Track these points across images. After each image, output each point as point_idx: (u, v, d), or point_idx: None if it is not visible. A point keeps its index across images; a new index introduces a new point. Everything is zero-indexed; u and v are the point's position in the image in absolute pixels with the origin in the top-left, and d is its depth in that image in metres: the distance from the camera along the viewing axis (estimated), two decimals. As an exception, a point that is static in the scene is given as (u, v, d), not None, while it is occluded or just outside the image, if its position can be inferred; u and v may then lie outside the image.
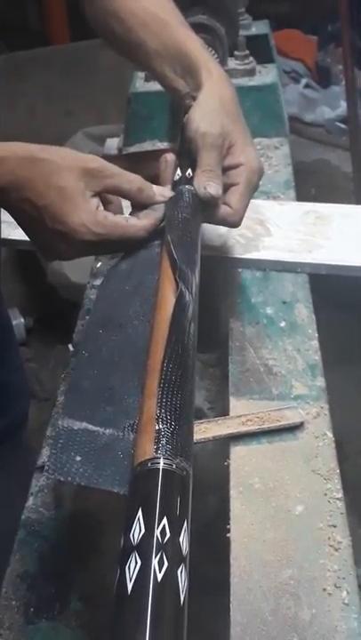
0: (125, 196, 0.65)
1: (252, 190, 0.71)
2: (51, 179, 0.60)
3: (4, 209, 0.63)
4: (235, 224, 0.71)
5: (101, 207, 0.63)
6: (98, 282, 0.88)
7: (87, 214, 0.60)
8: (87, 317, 0.81)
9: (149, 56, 0.75)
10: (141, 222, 0.65)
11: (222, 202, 0.69)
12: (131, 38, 0.76)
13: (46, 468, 0.47)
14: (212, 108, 0.70)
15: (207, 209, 0.69)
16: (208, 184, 0.67)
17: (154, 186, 0.68)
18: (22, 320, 2.07)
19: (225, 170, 0.70)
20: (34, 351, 2.11)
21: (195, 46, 0.74)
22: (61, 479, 0.46)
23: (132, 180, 0.65)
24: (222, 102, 0.71)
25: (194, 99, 0.72)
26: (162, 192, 0.68)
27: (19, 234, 0.93)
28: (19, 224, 0.64)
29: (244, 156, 0.70)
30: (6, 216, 0.99)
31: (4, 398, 0.88)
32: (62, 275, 1.95)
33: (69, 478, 0.46)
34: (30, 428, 1.00)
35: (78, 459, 0.47)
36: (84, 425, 0.49)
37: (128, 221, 0.64)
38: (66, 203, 0.60)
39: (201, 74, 0.72)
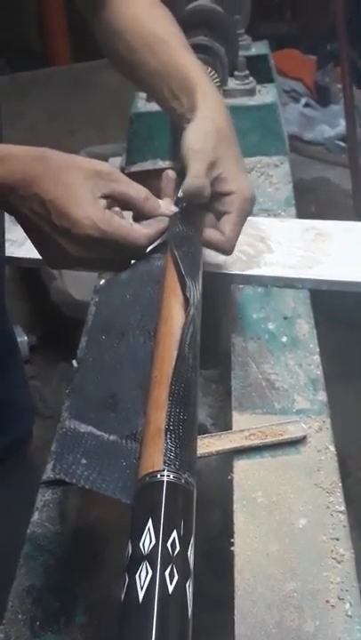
0: (131, 204, 0.66)
1: (245, 218, 0.72)
2: (60, 175, 0.61)
3: (9, 211, 0.64)
4: (227, 251, 0.72)
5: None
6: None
7: (93, 209, 0.61)
8: (89, 319, 0.82)
9: (150, 75, 0.77)
10: (145, 229, 0.66)
11: (216, 229, 0.71)
12: (134, 58, 0.78)
13: (52, 467, 0.47)
14: (206, 131, 0.71)
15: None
16: (194, 181, 0.68)
17: (159, 200, 0.69)
18: (26, 338, 2.08)
19: (217, 196, 0.70)
20: (37, 369, 2.12)
21: (192, 67, 0.75)
22: (66, 480, 0.46)
23: (139, 190, 0.66)
24: (216, 126, 0.71)
25: (188, 120, 0.73)
26: (167, 206, 0.69)
27: (23, 252, 0.95)
28: (23, 226, 0.64)
29: (236, 183, 0.70)
30: (11, 234, 1.01)
31: (8, 415, 0.89)
32: (65, 292, 1.97)
33: (74, 480, 0.46)
34: (34, 445, 1.01)
35: (84, 461, 0.47)
36: (90, 429, 0.50)
37: (132, 226, 0.65)
38: (72, 197, 0.61)
39: (196, 95, 0.73)
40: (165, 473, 0.43)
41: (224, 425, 0.77)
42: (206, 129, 0.71)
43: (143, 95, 1.22)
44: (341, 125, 2.44)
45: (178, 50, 0.76)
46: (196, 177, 0.69)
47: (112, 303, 0.64)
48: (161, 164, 1.15)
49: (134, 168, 1.16)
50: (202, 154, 0.69)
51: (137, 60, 0.78)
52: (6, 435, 0.87)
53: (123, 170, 1.17)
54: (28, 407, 0.98)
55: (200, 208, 0.71)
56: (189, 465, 0.44)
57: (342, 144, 2.48)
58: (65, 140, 2.45)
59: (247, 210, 0.71)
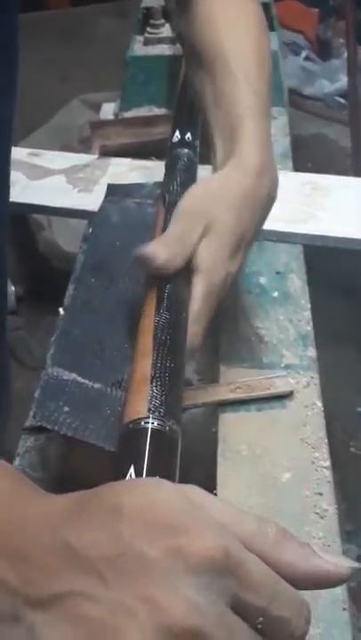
0: None
1: (213, 303, 0.54)
2: None
3: None
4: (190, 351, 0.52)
5: None
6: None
7: None
8: (78, 266, 0.80)
9: (205, 105, 0.64)
10: None
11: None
12: (198, 78, 0.65)
13: (33, 414, 0.46)
14: (213, 190, 0.56)
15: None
16: (153, 246, 0.52)
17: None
18: (13, 288, 2.06)
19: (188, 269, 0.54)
20: (24, 320, 2.10)
21: (242, 112, 0.60)
22: (48, 427, 0.46)
23: None
24: (233, 188, 0.56)
25: (214, 169, 0.60)
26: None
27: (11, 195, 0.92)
28: None
29: (206, 260, 0.53)
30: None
31: None
32: (54, 244, 1.94)
33: (56, 427, 0.46)
34: (19, 398, 0.99)
35: (66, 409, 0.46)
36: (74, 376, 0.49)
37: None
38: None
39: (232, 150, 0.58)
40: (150, 420, 0.42)
41: (211, 380, 0.76)
42: (215, 187, 0.56)
43: (140, 38, 1.18)
44: (342, 81, 2.39)
45: (236, 81, 0.61)
46: (165, 235, 0.53)
47: (102, 248, 0.62)
48: (156, 110, 1.11)
49: (129, 114, 1.12)
50: (184, 210, 0.54)
51: (199, 81, 0.65)
52: None
53: (117, 116, 1.13)
54: (8, 405, 0.92)
55: (196, 164, 0.69)
56: (175, 412, 0.44)
57: (342, 100, 2.43)
58: (58, 87, 2.39)
59: (215, 294, 0.54)
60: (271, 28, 1.28)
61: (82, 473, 0.56)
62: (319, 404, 0.65)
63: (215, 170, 0.60)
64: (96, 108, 2.09)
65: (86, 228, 0.91)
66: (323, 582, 0.34)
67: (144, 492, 0.32)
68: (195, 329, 0.52)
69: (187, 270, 0.54)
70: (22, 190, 0.94)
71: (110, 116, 1.15)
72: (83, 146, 1.98)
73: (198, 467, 0.68)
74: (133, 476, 0.39)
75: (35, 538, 0.32)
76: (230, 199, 0.55)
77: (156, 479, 0.37)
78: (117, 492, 0.33)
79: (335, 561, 0.33)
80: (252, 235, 0.57)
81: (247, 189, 0.56)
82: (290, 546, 0.33)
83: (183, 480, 0.42)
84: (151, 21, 1.16)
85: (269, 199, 0.59)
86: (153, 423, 0.41)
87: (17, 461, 0.64)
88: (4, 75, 0.60)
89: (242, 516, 0.33)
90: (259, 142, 0.59)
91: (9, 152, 0.67)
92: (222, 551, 0.30)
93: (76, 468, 0.57)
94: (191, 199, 0.55)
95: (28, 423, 0.66)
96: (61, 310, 0.77)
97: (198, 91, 0.66)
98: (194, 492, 0.33)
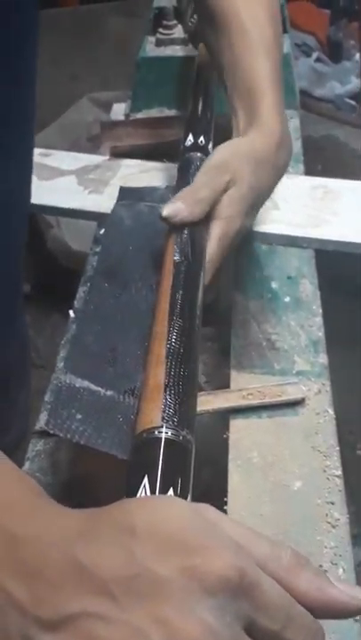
0: None
1: (228, 247, 0.60)
2: None
3: None
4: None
5: None
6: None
7: None
8: (89, 268, 0.80)
9: (221, 68, 0.68)
10: None
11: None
12: (215, 43, 0.69)
13: (46, 421, 0.46)
14: (238, 151, 0.62)
15: None
16: (170, 203, 0.58)
17: None
18: (20, 286, 2.06)
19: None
20: (31, 318, 2.09)
21: (259, 79, 0.65)
22: (61, 435, 0.45)
23: None
24: (253, 149, 0.63)
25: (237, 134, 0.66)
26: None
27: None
28: None
29: (226, 210, 0.60)
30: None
31: (8, 415, 0.84)
32: (63, 242, 1.94)
33: (68, 435, 0.45)
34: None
35: (79, 417, 0.46)
36: (86, 384, 0.49)
37: None
38: None
39: (253, 115, 0.64)
40: (163, 429, 0.41)
41: (218, 383, 0.75)
42: (242, 148, 0.63)
43: (152, 39, 1.17)
44: (353, 83, 2.38)
45: (253, 47, 0.66)
46: (187, 189, 0.59)
47: (115, 252, 0.62)
48: (168, 112, 1.11)
49: (140, 115, 1.12)
50: (214, 164, 0.61)
51: (215, 41, 0.69)
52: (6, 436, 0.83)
53: (127, 117, 1.13)
54: (27, 409, 0.93)
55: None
56: (188, 422, 0.43)
57: (352, 102, 2.42)
58: (67, 85, 2.39)
59: (229, 240, 0.60)
60: (284, 29, 1.28)
61: (91, 479, 0.56)
62: (331, 411, 0.64)
63: (237, 135, 0.65)
64: (105, 106, 2.09)
65: (97, 230, 0.91)
66: (337, 613, 0.33)
67: (157, 511, 0.32)
68: (207, 266, 0.58)
69: (201, 259, 0.56)
70: (33, 191, 0.93)
71: (121, 117, 1.15)
72: (91, 144, 1.98)
73: (209, 473, 0.68)
74: (147, 486, 0.38)
75: (47, 555, 0.31)
76: (254, 161, 0.61)
77: (170, 497, 0.36)
78: (130, 510, 0.32)
79: (350, 592, 0.33)
80: (265, 197, 0.65)
81: (269, 155, 0.63)
82: (305, 574, 0.32)
83: (194, 487, 0.42)
84: (164, 22, 1.15)
85: (284, 166, 0.66)
86: (167, 433, 0.41)
87: (27, 465, 0.64)
88: (20, 77, 0.60)
89: (256, 538, 0.33)
90: (279, 114, 0.66)
91: (31, 151, 0.67)
92: (238, 571, 0.30)
93: (85, 475, 0.57)
94: (219, 155, 0.62)
95: (38, 427, 0.66)
96: (71, 313, 0.77)
97: (213, 50, 0.70)
98: (208, 510, 0.33)
